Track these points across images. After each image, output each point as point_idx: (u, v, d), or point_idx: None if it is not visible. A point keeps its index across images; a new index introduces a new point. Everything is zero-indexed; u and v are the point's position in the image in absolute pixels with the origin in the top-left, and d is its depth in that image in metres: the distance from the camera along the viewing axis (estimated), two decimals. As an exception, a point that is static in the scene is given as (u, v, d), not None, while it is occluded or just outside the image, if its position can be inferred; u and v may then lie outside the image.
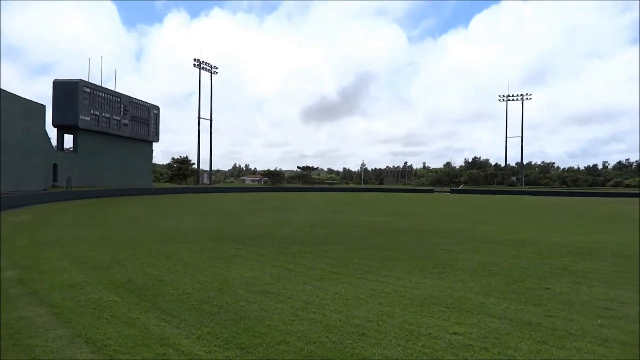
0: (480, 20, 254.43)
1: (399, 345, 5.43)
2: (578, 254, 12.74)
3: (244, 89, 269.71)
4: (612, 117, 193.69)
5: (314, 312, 6.79)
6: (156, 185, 79.23)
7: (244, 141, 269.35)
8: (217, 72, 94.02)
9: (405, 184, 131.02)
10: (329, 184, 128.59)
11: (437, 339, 5.66)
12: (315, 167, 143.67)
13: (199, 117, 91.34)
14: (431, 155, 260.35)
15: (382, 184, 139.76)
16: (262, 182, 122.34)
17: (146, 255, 11.79)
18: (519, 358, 5.06)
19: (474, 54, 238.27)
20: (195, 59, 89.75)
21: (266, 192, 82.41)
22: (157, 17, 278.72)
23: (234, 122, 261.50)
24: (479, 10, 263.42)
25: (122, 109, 64.43)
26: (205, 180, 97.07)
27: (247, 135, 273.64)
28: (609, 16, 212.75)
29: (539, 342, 5.58)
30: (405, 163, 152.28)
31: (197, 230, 17.90)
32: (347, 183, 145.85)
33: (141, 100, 70.34)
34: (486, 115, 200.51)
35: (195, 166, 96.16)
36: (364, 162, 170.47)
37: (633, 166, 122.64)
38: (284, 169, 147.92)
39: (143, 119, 70.68)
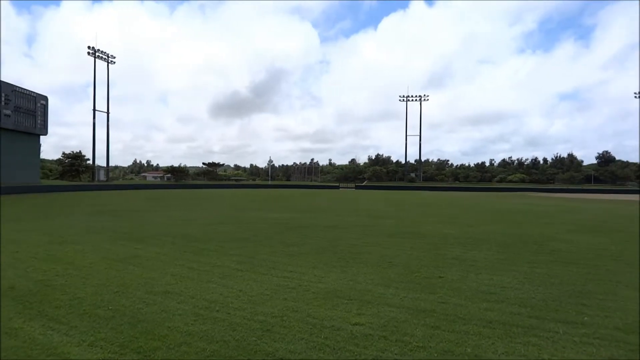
0: (388, 23, 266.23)
1: (303, 338, 5.51)
2: (468, 244, 13.82)
3: (148, 81, 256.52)
4: (500, 118, 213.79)
5: (217, 310, 6.66)
6: (45, 182, 72.49)
7: (146, 136, 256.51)
8: (114, 62, 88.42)
9: (312, 180, 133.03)
10: (236, 180, 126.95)
11: (340, 330, 5.83)
12: (221, 163, 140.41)
13: (94, 110, 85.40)
14: (338, 152, 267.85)
15: (289, 180, 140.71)
16: (165, 179, 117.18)
17: (31, 259, 10.74)
18: (414, 343, 5.37)
19: (382, 55, 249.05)
20: (89, 47, 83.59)
21: (169, 189, 79.18)
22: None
23: (137, 115, 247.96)
24: (387, 13, 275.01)
25: (2, 99, 58.09)
26: (102, 177, 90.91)
27: (151, 129, 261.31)
28: (500, 27, 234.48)
29: (432, 327, 5.97)
30: (312, 160, 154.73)
31: (91, 230, 16.69)
32: (254, 179, 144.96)
33: (26, 90, 64.00)
34: (391, 114, 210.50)
35: (91, 162, 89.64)
36: (271, 159, 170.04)
37: (515, 164, 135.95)
38: (189, 165, 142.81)
39: (28, 110, 64.37)
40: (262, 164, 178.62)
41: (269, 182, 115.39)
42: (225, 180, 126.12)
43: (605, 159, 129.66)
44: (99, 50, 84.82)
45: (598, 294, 7.83)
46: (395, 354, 5.07)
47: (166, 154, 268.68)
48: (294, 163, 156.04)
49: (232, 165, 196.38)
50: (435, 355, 5.07)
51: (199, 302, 7.10)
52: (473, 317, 6.45)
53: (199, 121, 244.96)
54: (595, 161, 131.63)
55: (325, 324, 6.08)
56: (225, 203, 36.25)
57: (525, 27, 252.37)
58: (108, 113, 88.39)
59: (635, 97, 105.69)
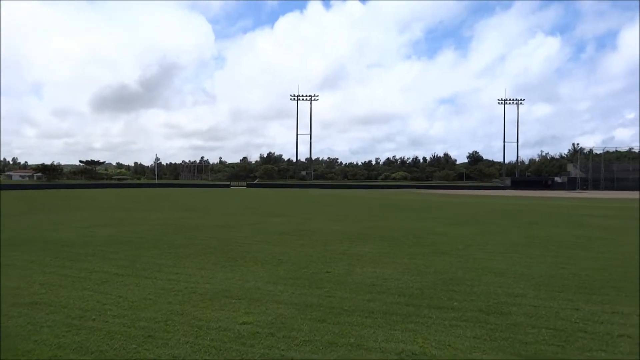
0: (285, 22, 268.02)
1: (188, 342, 5.33)
2: (354, 239, 14.41)
3: (20, 71, 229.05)
4: (388, 120, 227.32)
5: (93, 319, 6.17)
6: None
7: (15, 131, 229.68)
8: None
9: (202, 179, 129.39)
10: (118, 179, 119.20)
11: (226, 330, 5.73)
12: (102, 161, 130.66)
13: (-56, 99, 74.44)
14: (231, 150, 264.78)
15: (178, 179, 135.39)
16: (35, 178, 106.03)
17: None
18: (301, 338, 5.47)
19: (278, 54, 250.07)
20: (-63, 27, 72.70)
21: (39, 189, 71.81)
22: None
23: (4, 108, 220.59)
24: (284, 12, 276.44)
25: None
26: (-45, 177, 79.67)
27: (20, 124, 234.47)
28: (391, 34, 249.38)
29: (318, 321, 6.13)
30: (202, 158, 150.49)
31: (-60, 237, 14.50)
32: (138, 178, 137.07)
33: None
34: (286, 113, 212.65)
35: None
36: (158, 156, 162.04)
37: (398, 162, 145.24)
38: (64, 163, 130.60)
39: None
40: (148, 162, 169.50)
41: (156, 181, 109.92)
42: (106, 179, 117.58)
43: (474, 158, 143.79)
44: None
45: (466, 281, 8.63)
46: (282, 350, 5.11)
47: (38, 150, 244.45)
48: (183, 161, 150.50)
49: (114, 164, 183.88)
50: (321, 348, 5.20)
51: (72, 312, 6.52)
52: (357, 308, 6.73)
53: (78, 115, 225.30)
54: (466, 160, 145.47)
55: (212, 325, 5.94)
56: (105, 204, 33.80)
57: (412, 35, 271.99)
58: (-38, 104, 77.70)
59: (499, 103, 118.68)
